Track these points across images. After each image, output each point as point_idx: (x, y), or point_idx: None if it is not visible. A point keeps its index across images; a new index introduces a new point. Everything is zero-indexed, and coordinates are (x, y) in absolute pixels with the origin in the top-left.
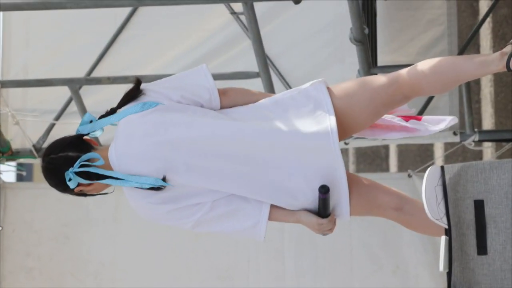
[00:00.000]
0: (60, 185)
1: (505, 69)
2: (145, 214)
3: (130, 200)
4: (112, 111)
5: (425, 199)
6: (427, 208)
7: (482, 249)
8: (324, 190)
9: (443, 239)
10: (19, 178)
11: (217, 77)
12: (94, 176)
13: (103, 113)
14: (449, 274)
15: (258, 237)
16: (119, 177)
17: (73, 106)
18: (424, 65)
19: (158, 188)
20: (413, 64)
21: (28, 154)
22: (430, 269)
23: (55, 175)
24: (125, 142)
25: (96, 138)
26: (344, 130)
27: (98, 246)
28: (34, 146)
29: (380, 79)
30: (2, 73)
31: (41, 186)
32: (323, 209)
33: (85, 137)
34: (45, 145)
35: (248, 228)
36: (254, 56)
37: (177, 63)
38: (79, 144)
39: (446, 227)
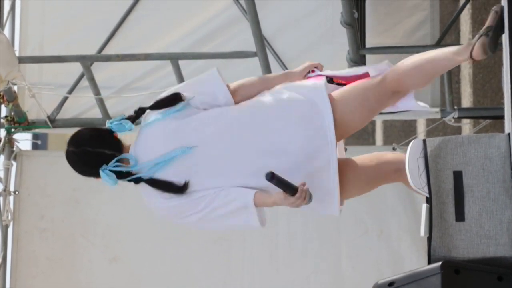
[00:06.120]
0: (86, 173)
1: (470, 59)
2: (157, 211)
3: (144, 195)
4: (141, 112)
5: (408, 170)
6: (410, 178)
7: (460, 216)
8: (268, 178)
9: (424, 207)
10: (35, 146)
11: (217, 55)
12: (125, 175)
13: (132, 114)
14: (429, 239)
15: (254, 228)
16: (146, 177)
17: (85, 81)
18: (404, 62)
19: (178, 190)
20: (398, 46)
21: (43, 124)
22: (412, 234)
23: (86, 166)
24: (144, 145)
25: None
26: (344, 132)
27: (105, 210)
28: (48, 117)
29: (370, 82)
30: (19, 50)
31: (54, 154)
32: (286, 189)
33: (115, 133)
34: (59, 116)
35: (243, 225)
36: (252, 37)
37: (181, 42)
38: (112, 142)
39: (427, 195)
